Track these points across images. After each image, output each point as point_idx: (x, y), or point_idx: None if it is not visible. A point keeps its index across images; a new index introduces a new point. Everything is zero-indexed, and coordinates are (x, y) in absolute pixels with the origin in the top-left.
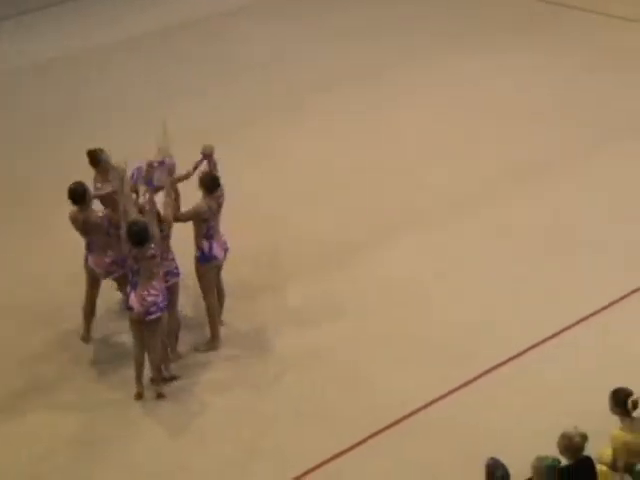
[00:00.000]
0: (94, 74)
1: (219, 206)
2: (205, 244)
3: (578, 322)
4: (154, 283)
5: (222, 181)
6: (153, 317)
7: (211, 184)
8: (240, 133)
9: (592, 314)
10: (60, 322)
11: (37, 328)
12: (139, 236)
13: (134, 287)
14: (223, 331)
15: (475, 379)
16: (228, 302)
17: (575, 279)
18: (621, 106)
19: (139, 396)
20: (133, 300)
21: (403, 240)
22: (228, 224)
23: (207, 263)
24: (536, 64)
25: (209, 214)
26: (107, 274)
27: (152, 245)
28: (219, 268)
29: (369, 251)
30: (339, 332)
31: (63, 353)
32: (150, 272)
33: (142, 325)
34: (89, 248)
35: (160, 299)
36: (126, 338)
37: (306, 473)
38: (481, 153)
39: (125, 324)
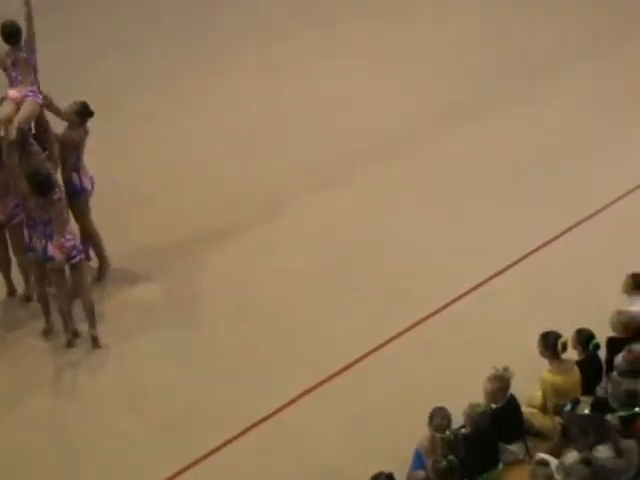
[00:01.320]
0: None
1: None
2: (75, 177)
3: (511, 265)
4: (67, 227)
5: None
6: (77, 260)
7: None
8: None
9: (525, 256)
10: None
11: None
12: (45, 185)
13: (49, 238)
14: (162, 291)
15: (414, 326)
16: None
17: (510, 217)
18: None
19: (70, 344)
20: (53, 250)
21: (340, 182)
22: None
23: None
24: None
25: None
26: (9, 219)
27: (57, 189)
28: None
29: (299, 196)
30: (272, 283)
31: None
32: (62, 217)
33: (63, 272)
34: None
35: (77, 241)
36: None
37: (251, 427)
38: (417, 92)
39: None
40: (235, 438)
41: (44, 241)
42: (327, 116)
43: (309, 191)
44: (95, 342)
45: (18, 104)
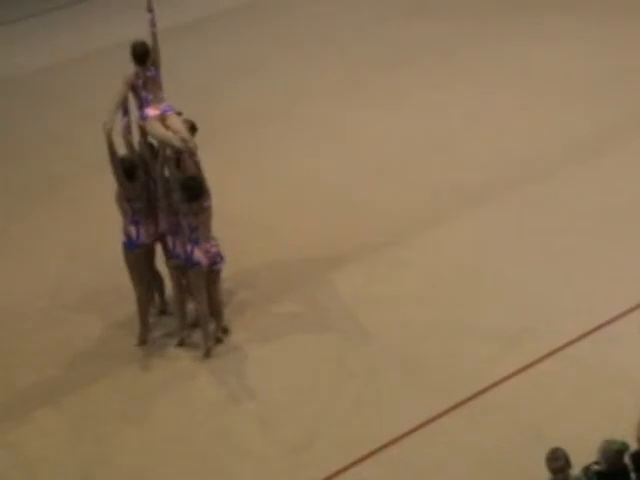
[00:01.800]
0: None
1: None
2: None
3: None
4: (211, 234)
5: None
6: (219, 266)
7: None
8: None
9: None
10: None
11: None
12: (200, 190)
13: (195, 242)
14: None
15: (539, 360)
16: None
17: (630, 257)
18: None
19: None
20: (199, 255)
21: (451, 218)
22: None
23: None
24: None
25: None
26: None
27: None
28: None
29: (419, 230)
30: (395, 316)
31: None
32: (209, 223)
33: (204, 277)
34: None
35: (219, 248)
36: None
37: (369, 455)
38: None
39: None
40: (356, 463)
41: (190, 246)
42: (445, 148)
43: (432, 220)
44: (219, 340)
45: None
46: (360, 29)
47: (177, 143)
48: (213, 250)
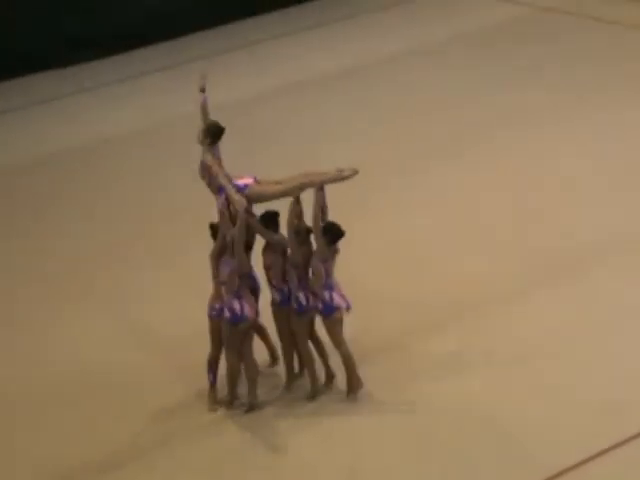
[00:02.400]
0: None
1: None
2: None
3: None
4: None
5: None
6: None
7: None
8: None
9: None
10: None
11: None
12: (340, 231)
13: (332, 288)
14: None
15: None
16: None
17: None
18: None
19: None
20: (339, 300)
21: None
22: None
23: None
24: None
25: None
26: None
27: None
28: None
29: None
30: (484, 383)
31: None
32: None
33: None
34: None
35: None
36: None
37: None
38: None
39: None
40: None
41: (327, 293)
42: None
43: (528, 288)
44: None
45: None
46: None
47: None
48: (343, 293)
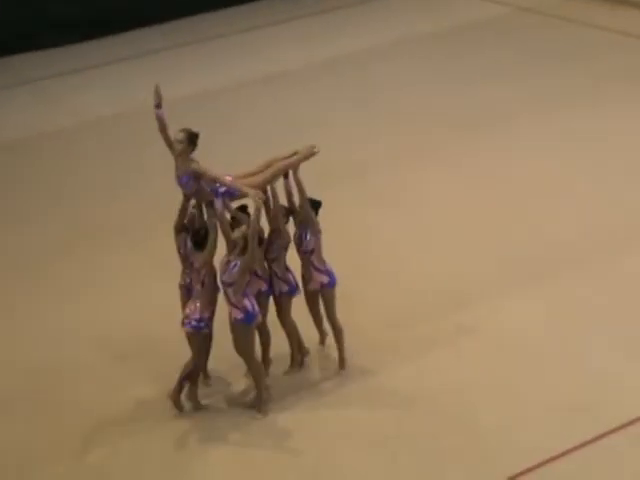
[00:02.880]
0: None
1: None
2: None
3: None
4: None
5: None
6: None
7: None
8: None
9: None
10: None
11: None
12: (319, 203)
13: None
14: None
15: (599, 437)
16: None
17: None
18: None
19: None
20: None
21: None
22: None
23: None
24: None
25: None
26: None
27: None
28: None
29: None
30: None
31: None
32: None
33: None
34: None
35: None
36: None
37: None
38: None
39: None
40: None
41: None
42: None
43: (502, 289)
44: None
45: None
46: (439, 91)
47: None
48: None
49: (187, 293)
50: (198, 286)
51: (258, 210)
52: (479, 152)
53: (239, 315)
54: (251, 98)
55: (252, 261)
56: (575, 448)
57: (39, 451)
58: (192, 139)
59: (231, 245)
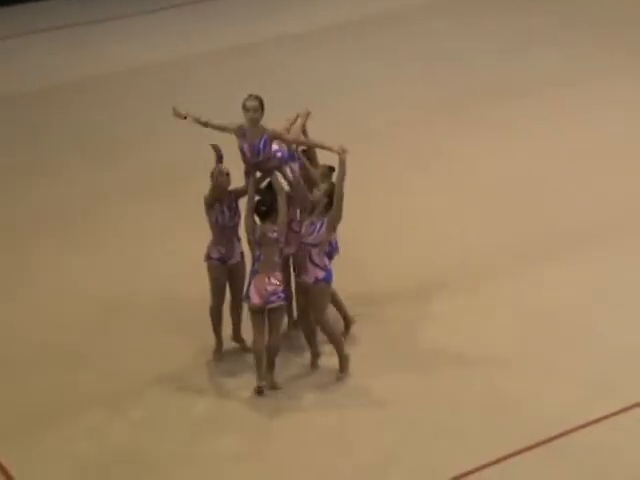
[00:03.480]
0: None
1: None
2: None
3: None
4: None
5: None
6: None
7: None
8: (402, 134)
9: None
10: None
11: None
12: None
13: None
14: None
15: (621, 411)
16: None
17: None
18: None
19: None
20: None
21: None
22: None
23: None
24: None
25: None
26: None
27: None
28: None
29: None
30: (484, 353)
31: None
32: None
33: None
34: None
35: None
36: None
37: None
38: None
39: None
40: None
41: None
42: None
43: (532, 260)
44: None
45: None
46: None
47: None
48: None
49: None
50: (276, 257)
51: (343, 164)
52: (516, 118)
53: (321, 275)
54: (280, 57)
55: (339, 217)
56: (596, 420)
57: (74, 399)
58: (262, 105)
59: (310, 206)
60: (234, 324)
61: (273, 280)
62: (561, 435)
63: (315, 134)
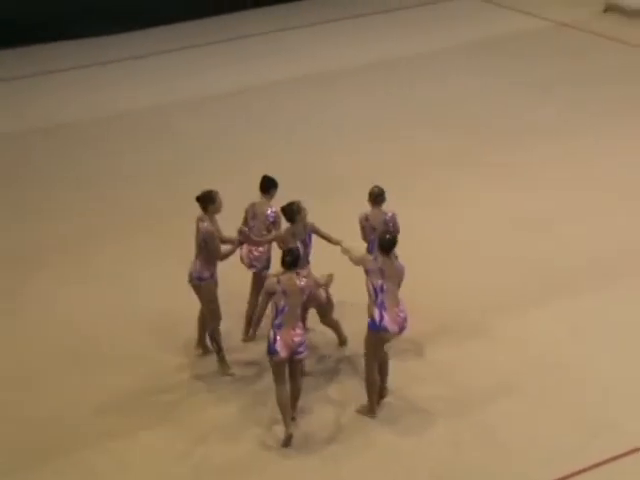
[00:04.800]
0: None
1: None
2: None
3: None
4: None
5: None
6: None
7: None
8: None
9: None
10: None
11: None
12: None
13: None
14: None
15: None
16: None
17: None
18: None
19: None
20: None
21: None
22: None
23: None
24: None
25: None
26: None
27: None
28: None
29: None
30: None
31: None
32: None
33: None
34: None
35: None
36: None
37: None
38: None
39: None
40: None
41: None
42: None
43: (526, 301)
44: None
45: None
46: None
47: None
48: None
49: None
50: (299, 308)
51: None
52: (523, 163)
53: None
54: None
55: None
56: (596, 465)
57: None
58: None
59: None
60: (201, 334)
61: (298, 331)
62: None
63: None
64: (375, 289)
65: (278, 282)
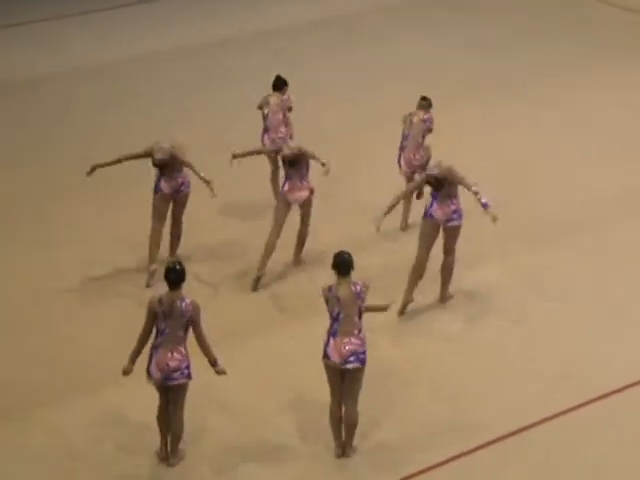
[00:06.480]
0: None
1: None
2: None
3: None
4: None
5: None
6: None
7: None
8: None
9: None
10: None
11: None
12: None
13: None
14: None
15: (577, 407)
16: None
17: None
18: None
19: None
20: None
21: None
22: None
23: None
24: None
25: None
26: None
27: None
28: None
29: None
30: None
31: None
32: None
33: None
34: None
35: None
36: None
37: None
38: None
39: None
40: None
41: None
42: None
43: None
44: None
45: None
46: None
47: None
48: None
49: None
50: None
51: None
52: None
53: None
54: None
55: None
56: (554, 416)
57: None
58: None
59: None
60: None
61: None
62: (519, 431)
63: None
64: (332, 316)
65: (160, 302)
